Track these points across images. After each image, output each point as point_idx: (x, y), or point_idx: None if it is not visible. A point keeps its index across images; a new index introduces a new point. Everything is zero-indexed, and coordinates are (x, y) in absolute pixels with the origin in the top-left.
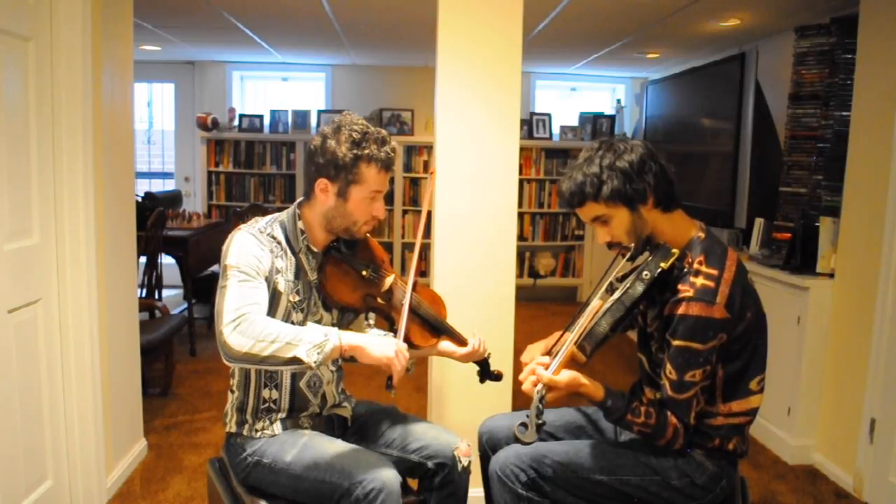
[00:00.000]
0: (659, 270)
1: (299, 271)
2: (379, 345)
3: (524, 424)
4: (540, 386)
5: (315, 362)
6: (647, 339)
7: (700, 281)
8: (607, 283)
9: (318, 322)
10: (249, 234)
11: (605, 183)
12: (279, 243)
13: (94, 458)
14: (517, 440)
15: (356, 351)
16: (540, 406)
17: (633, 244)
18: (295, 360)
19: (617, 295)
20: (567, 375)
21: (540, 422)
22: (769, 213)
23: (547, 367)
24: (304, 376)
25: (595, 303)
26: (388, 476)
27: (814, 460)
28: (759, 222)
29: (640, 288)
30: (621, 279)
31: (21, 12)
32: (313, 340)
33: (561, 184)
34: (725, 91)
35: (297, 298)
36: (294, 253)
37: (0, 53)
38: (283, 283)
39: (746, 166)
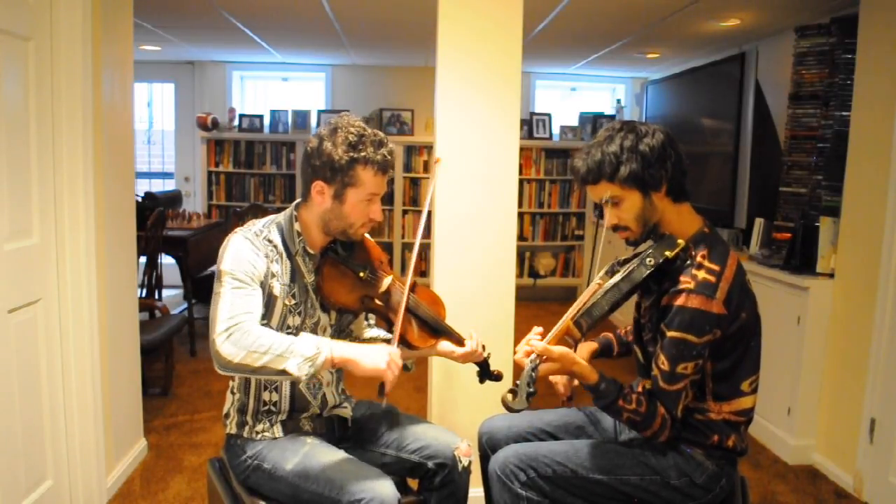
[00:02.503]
0: (663, 258)
1: (295, 274)
2: (370, 356)
3: (514, 391)
4: (533, 356)
5: (306, 375)
6: (641, 329)
7: (702, 274)
8: (609, 265)
9: (316, 324)
10: (245, 239)
11: (624, 164)
12: (275, 247)
13: (94, 458)
14: (506, 406)
15: (347, 363)
16: (532, 374)
17: (639, 230)
18: (286, 373)
19: (619, 277)
20: (561, 348)
21: (531, 390)
22: (769, 213)
23: (542, 338)
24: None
25: (595, 282)
26: (387, 493)
27: (814, 460)
28: (759, 222)
29: (643, 272)
30: (622, 262)
31: (21, 12)
32: (305, 353)
33: (576, 160)
34: (725, 91)
35: (293, 302)
36: (290, 256)
37: (0, 53)
38: (279, 287)
39: (746, 166)
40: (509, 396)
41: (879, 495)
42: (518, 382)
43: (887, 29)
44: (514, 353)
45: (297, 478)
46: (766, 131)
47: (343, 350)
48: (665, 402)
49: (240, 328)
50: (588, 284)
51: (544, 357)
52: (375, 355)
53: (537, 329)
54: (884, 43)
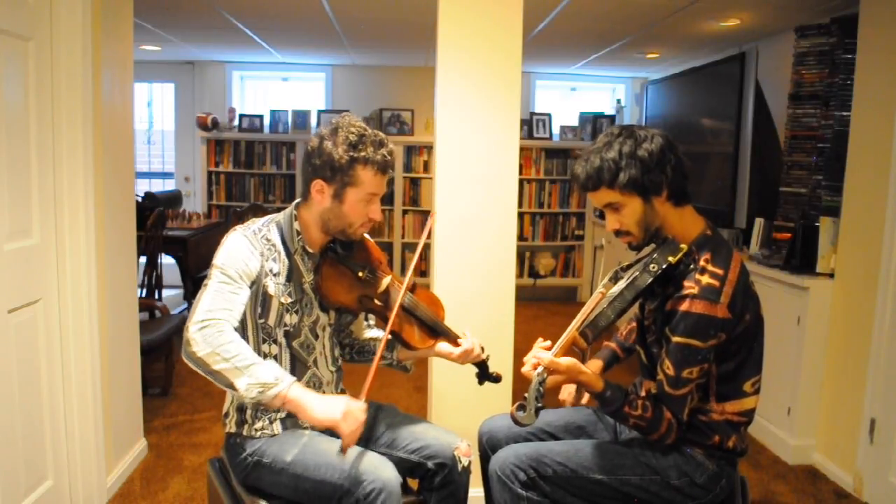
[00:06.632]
0: (667, 264)
1: (293, 273)
2: (325, 407)
3: (522, 406)
4: (541, 369)
5: (251, 399)
6: (644, 331)
7: (705, 279)
8: (612, 271)
9: (315, 323)
10: (242, 237)
11: (623, 170)
12: (273, 245)
13: (94, 458)
14: (515, 422)
15: (298, 408)
16: (540, 389)
17: (641, 235)
18: (233, 388)
19: (622, 284)
20: (568, 360)
21: (539, 405)
22: (769, 213)
23: (548, 350)
24: (304, 377)
25: (599, 291)
26: (389, 476)
27: (814, 460)
28: (759, 222)
29: (646, 279)
30: (626, 268)
31: (21, 12)
32: (261, 378)
33: (575, 166)
34: (725, 91)
35: (289, 300)
36: (289, 254)
37: (0, 53)
38: (274, 286)
39: (746, 166)
40: (519, 413)
41: (879, 495)
42: (526, 396)
43: (887, 29)
44: (522, 364)
45: (298, 467)
46: (766, 131)
47: (299, 394)
48: (671, 406)
49: (215, 325)
50: (591, 285)
51: (551, 370)
52: (330, 406)
53: (543, 342)
54: (884, 43)
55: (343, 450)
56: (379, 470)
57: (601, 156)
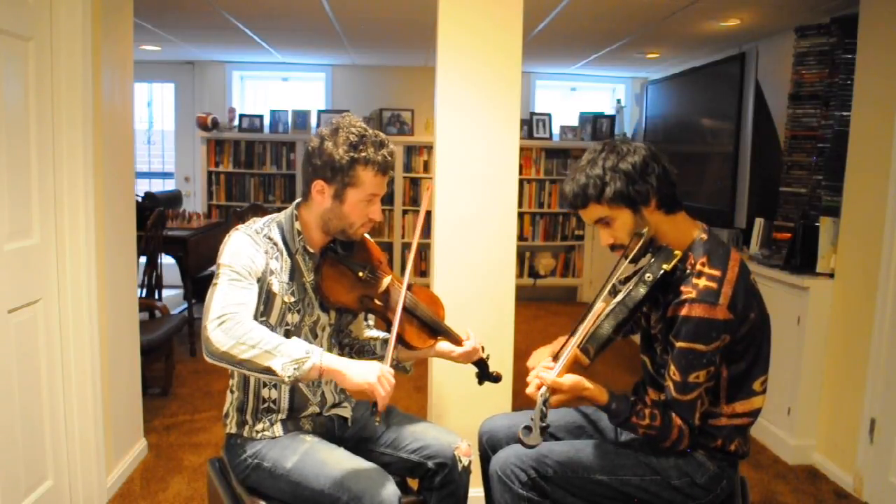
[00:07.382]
0: (661, 272)
1: (294, 272)
2: (360, 371)
3: (528, 427)
4: (544, 389)
5: (289, 377)
6: (651, 341)
7: (703, 282)
8: (610, 285)
9: (316, 323)
10: (245, 235)
11: (608, 184)
12: (275, 244)
13: (94, 458)
14: (521, 443)
15: (335, 375)
16: (544, 409)
17: (635, 246)
18: (270, 371)
19: (620, 297)
20: (571, 378)
21: (544, 424)
22: (769, 213)
23: (551, 370)
24: None
25: (598, 306)
26: (388, 492)
27: (814, 460)
28: (759, 222)
29: (642, 290)
30: (624, 282)
31: (21, 12)
32: (293, 355)
33: (564, 185)
34: (725, 91)
35: (292, 300)
36: (290, 254)
37: (0, 53)
38: (278, 284)
39: (746, 166)
40: (525, 434)
41: (879, 495)
42: (532, 418)
43: (887, 29)
44: (526, 374)
45: (298, 476)
46: (766, 131)
47: (332, 361)
48: (680, 412)
49: (233, 318)
50: (594, 290)
51: (555, 389)
52: (367, 369)
53: (546, 363)
54: (884, 43)
55: (378, 414)
56: (378, 485)
57: (586, 173)
